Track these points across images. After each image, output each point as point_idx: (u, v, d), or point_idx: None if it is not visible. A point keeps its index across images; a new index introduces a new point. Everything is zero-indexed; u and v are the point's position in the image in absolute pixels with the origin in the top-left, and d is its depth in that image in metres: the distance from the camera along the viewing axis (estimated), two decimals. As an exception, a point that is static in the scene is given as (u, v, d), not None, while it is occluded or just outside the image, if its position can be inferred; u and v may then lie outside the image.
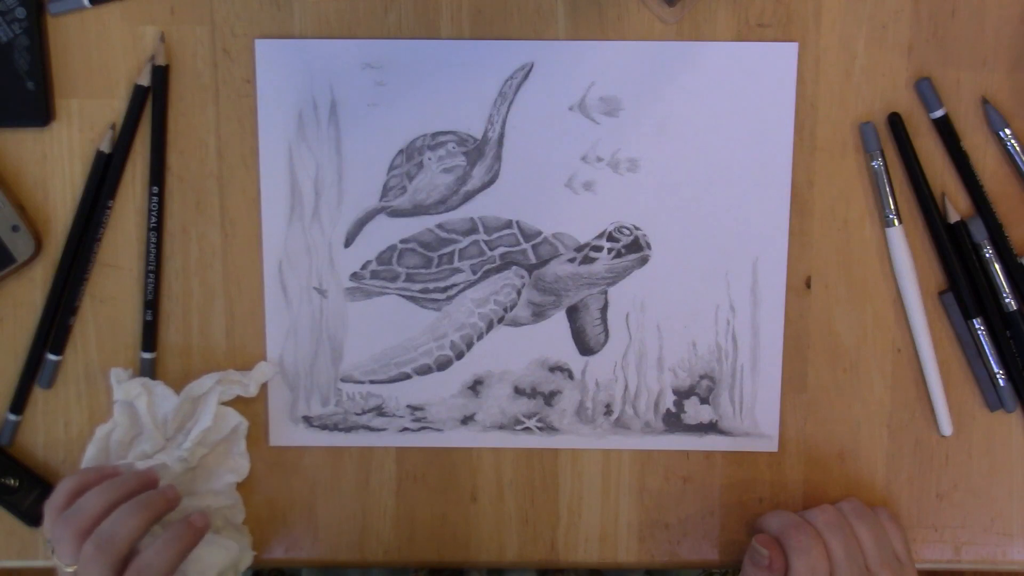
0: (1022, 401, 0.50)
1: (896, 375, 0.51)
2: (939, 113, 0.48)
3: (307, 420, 0.51)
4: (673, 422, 0.51)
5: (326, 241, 0.50)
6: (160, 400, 0.49)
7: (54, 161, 0.49)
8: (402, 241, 0.50)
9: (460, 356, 0.51)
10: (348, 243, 0.50)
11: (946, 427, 0.51)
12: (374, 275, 0.50)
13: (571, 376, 0.51)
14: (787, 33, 0.48)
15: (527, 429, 0.51)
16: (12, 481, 0.50)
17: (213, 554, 0.47)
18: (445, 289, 0.50)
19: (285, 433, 0.51)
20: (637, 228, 0.50)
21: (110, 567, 0.43)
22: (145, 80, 0.49)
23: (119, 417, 0.49)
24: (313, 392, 0.51)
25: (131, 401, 0.48)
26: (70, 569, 0.44)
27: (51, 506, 0.45)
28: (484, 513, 0.52)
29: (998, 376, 0.50)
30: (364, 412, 0.51)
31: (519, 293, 0.50)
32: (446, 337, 0.50)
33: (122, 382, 0.49)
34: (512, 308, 0.50)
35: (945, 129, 0.48)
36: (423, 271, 0.50)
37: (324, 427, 0.51)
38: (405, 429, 0.51)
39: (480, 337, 0.51)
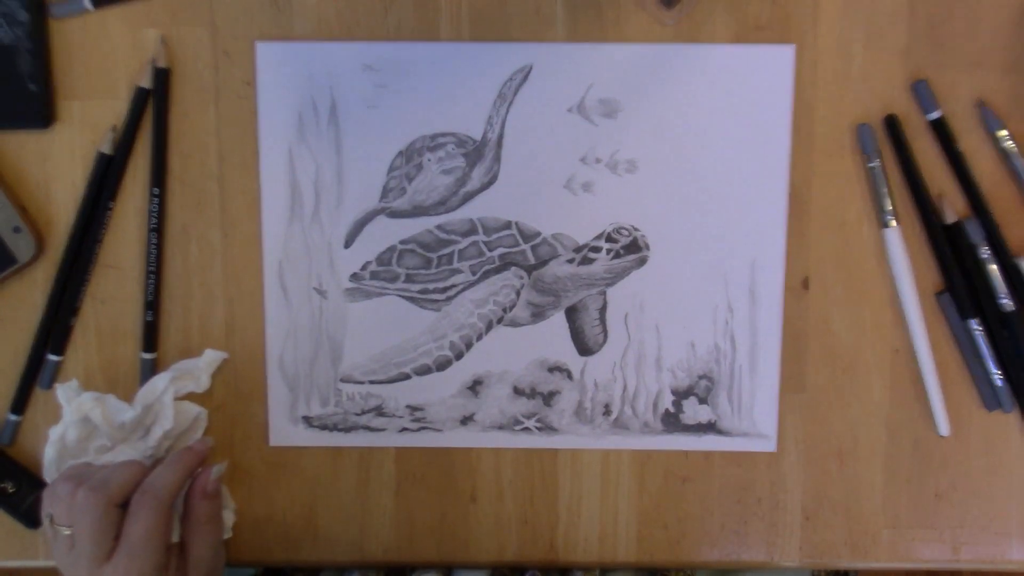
0: (1019, 401, 0.50)
1: (894, 375, 0.51)
2: (935, 115, 0.49)
3: (307, 420, 0.51)
4: (672, 422, 0.51)
5: (326, 242, 0.50)
6: (114, 412, 0.49)
7: (56, 162, 0.50)
8: (402, 242, 0.50)
9: (459, 356, 0.51)
10: (348, 244, 0.50)
11: (944, 427, 0.51)
12: (374, 276, 0.51)
13: (570, 376, 0.51)
14: (784, 35, 0.49)
15: (526, 429, 0.52)
16: (9, 486, 0.50)
17: None
18: (444, 290, 0.51)
19: (285, 433, 0.51)
20: (636, 229, 0.50)
21: (103, 511, 0.43)
22: (146, 82, 0.49)
23: (68, 419, 0.48)
24: (313, 392, 0.51)
25: (85, 415, 0.48)
26: (67, 531, 0.43)
27: (49, 488, 0.46)
28: (483, 513, 0.52)
29: (995, 376, 0.50)
30: (364, 412, 0.51)
31: (518, 294, 0.51)
32: (445, 337, 0.51)
33: (72, 400, 0.48)
34: (511, 309, 0.51)
35: (941, 131, 0.49)
36: (422, 272, 0.50)
37: (324, 427, 0.51)
38: (404, 429, 0.51)
39: (479, 337, 0.51)
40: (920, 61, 0.49)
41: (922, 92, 0.48)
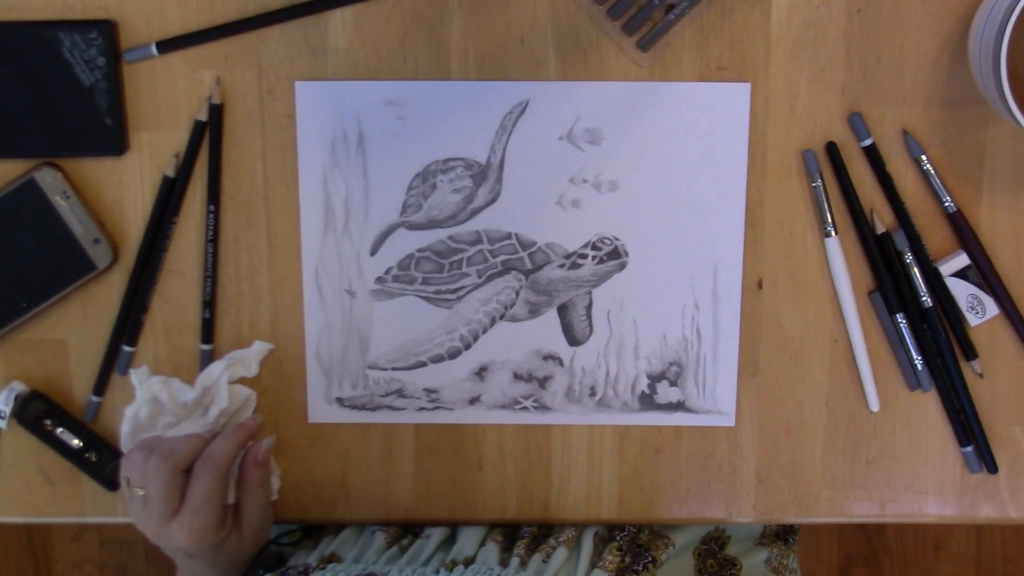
0: (936, 382, 0.54)
1: (833, 361, 0.53)
2: (868, 142, 0.51)
3: (340, 401, 0.54)
4: (647, 402, 0.54)
5: (355, 250, 0.52)
6: (178, 392, 0.52)
7: (128, 184, 0.52)
8: (419, 250, 0.52)
9: (468, 347, 0.53)
10: (373, 252, 0.52)
11: (874, 404, 0.54)
12: (395, 279, 0.53)
13: (561, 364, 0.53)
14: (741, 75, 0.51)
15: (524, 408, 0.54)
16: (93, 456, 0.54)
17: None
18: (455, 291, 0.53)
19: (321, 412, 0.54)
20: (617, 239, 0.52)
21: (170, 475, 0.46)
22: (203, 116, 0.51)
23: (140, 399, 0.51)
24: (344, 377, 0.54)
25: (154, 395, 0.51)
26: (140, 492, 0.47)
27: (125, 456, 0.50)
28: (488, 479, 0.55)
29: (917, 362, 0.53)
30: (387, 394, 0.54)
31: (517, 294, 0.53)
32: (456, 331, 0.53)
33: (143, 383, 0.51)
34: (511, 306, 0.53)
35: (873, 155, 0.51)
36: (436, 276, 0.52)
37: (354, 407, 0.54)
38: (422, 408, 0.54)
39: (485, 331, 0.53)
40: (855, 97, 0.51)
41: (856, 123, 0.51)
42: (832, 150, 0.52)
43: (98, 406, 0.55)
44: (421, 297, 0.53)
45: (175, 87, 0.52)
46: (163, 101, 0.52)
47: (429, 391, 0.54)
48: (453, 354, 0.54)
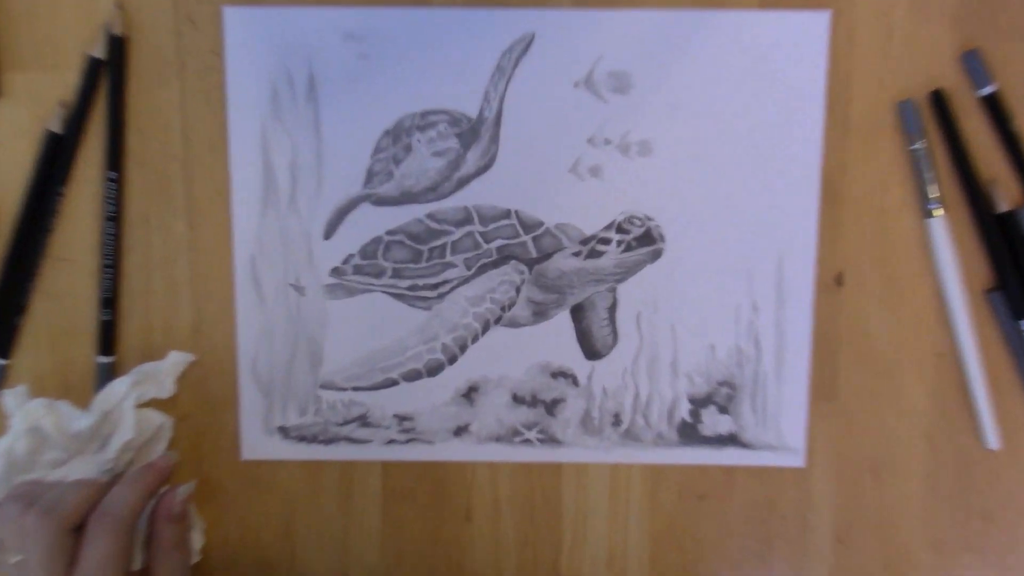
0: None
1: (937, 382, 0.49)
2: (988, 90, 0.46)
3: (283, 431, 0.50)
4: (688, 433, 0.50)
5: (304, 232, 0.48)
6: (68, 420, 0.47)
7: None
8: (388, 233, 0.48)
9: (453, 360, 0.49)
10: (328, 235, 0.48)
11: (993, 440, 0.49)
12: (357, 270, 0.49)
13: (576, 383, 0.49)
14: (819, 0, 0.46)
15: (527, 441, 0.50)
16: None
17: None
18: (436, 286, 0.49)
19: (259, 445, 0.50)
20: (649, 218, 0.48)
21: (55, 536, 0.42)
22: (100, 52, 0.46)
23: (17, 429, 0.47)
24: (290, 400, 0.49)
25: (34, 424, 0.47)
26: (17, 558, 0.42)
27: None
28: (479, 533, 0.51)
29: None
30: (346, 422, 0.50)
31: (518, 290, 0.49)
32: (437, 339, 0.49)
33: (20, 408, 0.47)
34: (510, 307, 0.49)
35: (995, 107, 0.47)
36: (412, 266, 0.49)
37: (302, 439, 0.50)
38: (392, 441, 0.50)
39: (475, 339, 0.49)
40: (971, 29, 0.47)
41: (973, 64, 0.46)
42: (939, 100, 0.47)
43: (-41, 437, 0.50)
44: (391, 294, 0.49)
45: (61, 13, 0.47)
46: (45, 31, 0.47)
47: (401, 418, 0.50)
48: (433, 370, 0.50)
